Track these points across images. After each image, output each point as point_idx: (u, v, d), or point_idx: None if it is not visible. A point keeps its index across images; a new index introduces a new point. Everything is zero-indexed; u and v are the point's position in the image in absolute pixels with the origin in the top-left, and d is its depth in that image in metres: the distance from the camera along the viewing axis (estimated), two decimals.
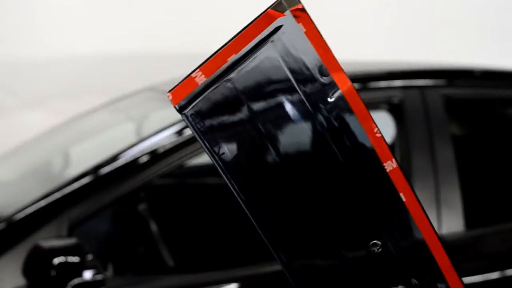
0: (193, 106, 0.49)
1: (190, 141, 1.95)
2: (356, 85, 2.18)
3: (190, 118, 0.49)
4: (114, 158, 1.95)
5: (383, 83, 2.23)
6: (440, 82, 2.29)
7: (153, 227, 2.55)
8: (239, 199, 0.63)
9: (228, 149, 0.62)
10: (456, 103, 2.40)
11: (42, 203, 1.87)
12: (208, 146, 0.57)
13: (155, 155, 1.94)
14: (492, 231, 2.20)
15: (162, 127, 2.01)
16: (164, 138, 1.96)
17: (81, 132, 2.70)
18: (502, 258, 2.12)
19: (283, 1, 0.73)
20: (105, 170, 1.93)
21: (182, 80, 0.57)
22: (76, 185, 1.91)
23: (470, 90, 2.37)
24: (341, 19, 4.23)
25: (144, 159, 1.94)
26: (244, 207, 0.64)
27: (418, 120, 2.16)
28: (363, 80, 2.20)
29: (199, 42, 4.13)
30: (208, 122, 0.56)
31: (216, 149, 0.60)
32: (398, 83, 2.23)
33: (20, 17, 4.08)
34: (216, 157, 0.61)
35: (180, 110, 0.49)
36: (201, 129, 0.50)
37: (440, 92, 2.24)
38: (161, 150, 1.95)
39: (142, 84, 2.89)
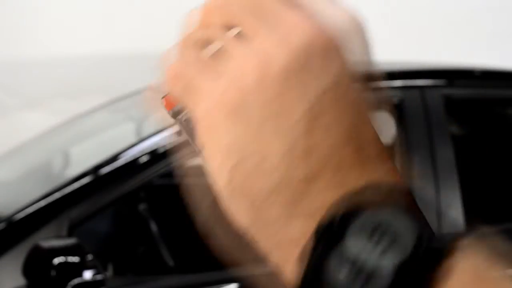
0: (187, 112, 0.49)
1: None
2: None
3: (184, 124, 0.49)
4: (114, 158, 1.96)
5: (383, 83, 2.22)
6: (440, 82, 2.29)
7: (153, 227, 2.55)
8: None
9: None
10: (456, 103, 2.40)
11: (42, 203, 1.87)
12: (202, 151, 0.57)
13: (155, 155, 1.94)
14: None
15: (162, 127, 2.00)
16: (164, 138, 1.97)
17: (81, 132, 2.70)
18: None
19: None
20: (105, 170, 1.93)
21: None
22: (76, 185, 1.91)
23: (470, 90, 2.37)
24: None
25: (144, 159, 1.94)
26: None
27: (418, 120, 2.17)
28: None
29: None
30: None
31: None
32: (398, 83, 2.23)
33: (20, 17, 4.09)
34: None
35: (174, 115, 0.50)
36: (195, 134, 0.50)
37: (440, 92, 2.24)
38: (161, 150, 1.95)
39: (142, 84, 2.89)
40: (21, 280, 1.74)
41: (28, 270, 1.73)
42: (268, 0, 0.39)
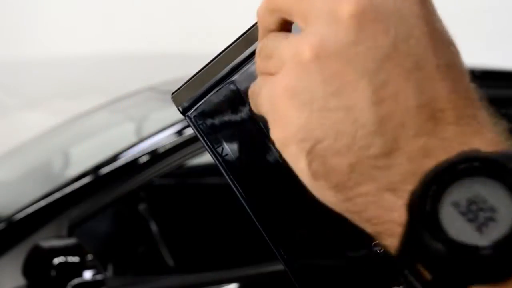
0: (196, 108, 0.50)
1: (190, 141, 1.95)
2: None
3: (193, 120, 0.50)
4: (114, 158, 1.95)
5: None
6: None
7: (153, 227, 2.55)
8: (241, 198, 0.64)
9: (231, 150, 0.64)
10: None
11: (42, 203, 1.87)
12: (211, 147, 0.58)
13: (155, 155, 1.94)
14: None
15: (162, 127, 2.01)
16: (164, 138, 1.97)
17: (81, 132, 2.70)
18: None
19: None
20: (105, 170, 1.93)
21: (185, 83, 0.58)
22: (76, 185, 1.91)
23: None
24: None
25: (144, 159, 1.94)
26: (246, 206, 0.65)
27: None
28: None
29: (199, 42, 4.13)
30: (211, 124, 0.57)
31: (219, 150, 0.61)
32: None
33: (20, 17, 4.09)
34: (220, 158, 0.62)
35: (183, 112, 0.50)
36: (204, 130, 0.51)
37: None
38: (161, 150, 1.95)
39: (142, 84, 2.90)
40: (21, 280, 1.74)
41: (28, 270, 1.73)
42: None
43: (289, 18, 0.40)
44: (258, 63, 0.42)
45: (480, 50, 4.14)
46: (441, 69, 0.37)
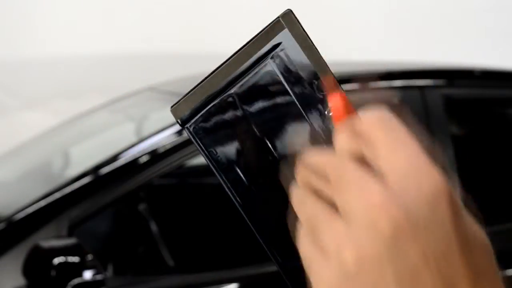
0: (195, 120, 0.50)
1: (190, 141, 1.94)
2: (356, 86, 2.18)
3: (192, 132, 0.50)
4: (114, 158, 1.95)
5: (382, 83, 2.23)
6: (440, 82, 2.29)
7: (153, 227, 2.55)
8: (236, 204, 0.64)
9: (231, 160, 0.64)
10: (456, 103, 2.40)
11: (42, 203, 1.87)
12: (210, 158, 0.59)
13: (155, 155, 1.94)
14: (492, 231, 2.20)
15: (162, 127, 2.01)
16: (164, 138, 1.97)
17: (81, 132, 2.70)
18: (502, 258, 2.12)
19: (281, 19, 0.74)
20: (105, 170, 1.93)
21: (184, 96, 0.59)
22: (76, 185, 1.91)
23: (470, 90, 2.37)
24: (339, 17, 4.24)
25: (144, 159, 1.94)
26: (240, 210, 0.65)
27: (418, 120, 2.16)
28: (363, 80, 2.21)
29: (199, 42, 4.13)
30: (210, 135, 0.58)
31: (218, 160, 0.61)
32: (397, 83, 2.23)
33: (20, 17, 4.09)
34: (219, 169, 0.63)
35: (183, 124, 0.51)
36: (203, 142, 0.51)
37: (440, 92, 2.24)
38: (161, 150, 1.95)
39: (142, 84, 2.90)
40: (21, 280, 1.74)
41: (28, 270, 1.73)
42: (348, 169, 0.41)
43: (325, 192, 0.43)
44: (303, 219, 0.44)
45: (480, 50, 4.14)
46: (471, 280, 0.40)
